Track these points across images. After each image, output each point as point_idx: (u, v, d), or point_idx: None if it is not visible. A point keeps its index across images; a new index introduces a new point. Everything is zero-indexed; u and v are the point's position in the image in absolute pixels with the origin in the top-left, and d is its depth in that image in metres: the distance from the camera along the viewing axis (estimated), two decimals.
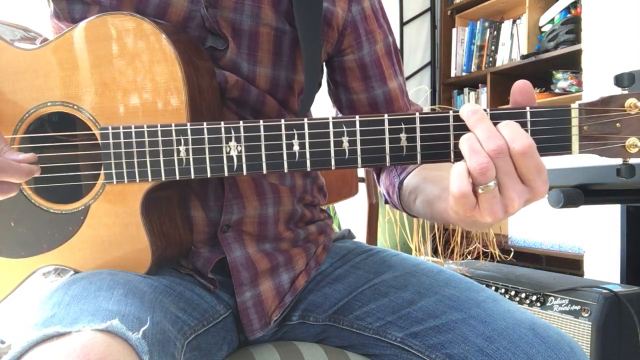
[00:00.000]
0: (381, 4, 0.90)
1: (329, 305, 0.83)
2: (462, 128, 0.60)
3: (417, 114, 0.62)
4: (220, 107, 0.77)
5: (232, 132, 0.65)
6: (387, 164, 0.63)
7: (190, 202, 0.79)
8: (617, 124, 0.60)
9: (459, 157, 0.60)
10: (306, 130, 0.64)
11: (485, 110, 0.60)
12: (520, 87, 0.61)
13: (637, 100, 0.59)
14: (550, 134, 0.60)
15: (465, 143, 0.58)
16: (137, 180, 0.68)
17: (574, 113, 0.60)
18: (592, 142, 0.60)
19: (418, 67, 3.80)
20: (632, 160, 0.61)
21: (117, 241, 0.71)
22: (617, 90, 0.60)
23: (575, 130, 0.60)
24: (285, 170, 0.65)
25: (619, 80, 0.60)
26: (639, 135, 0.59)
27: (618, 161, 0.62)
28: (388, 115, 0.62)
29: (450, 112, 0.61)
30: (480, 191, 0.57)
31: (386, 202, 0.94)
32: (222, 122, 0.65)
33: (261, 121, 0.65)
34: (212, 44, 0.77)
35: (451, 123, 0.61)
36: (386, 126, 0.62)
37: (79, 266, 0.72)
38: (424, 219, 0.87)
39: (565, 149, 0.61)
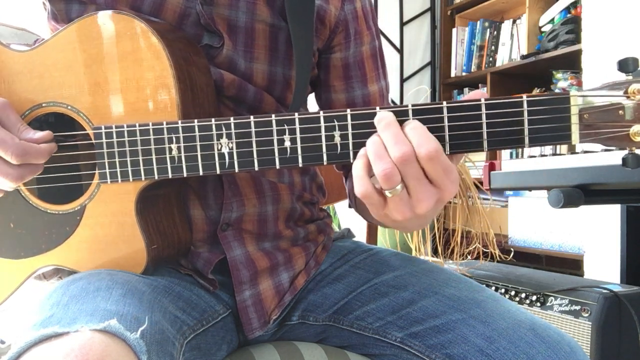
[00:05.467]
0: (372, 7, 0.90)
1: (329, 305, 0.83)
2: (458, 118, 0.59)
3: (410, 105, 0.61)
4: (218, 105, 0.77)
5: (223, 128, 0.65)
6: None
7: (189, 201, 0.78)
8: (620, 112, 0.57)
9: (454, 149, 0.60)
10: (297, 126, 0.63)
11: (480, 99, 0.59)
12: (474, 98, 0.61)
13: None
14: (548, 124, 0.58)
15: (370, 148, 0.58)
16: (131, 179, 0.68)
17: (574, 101, 0.58)
18: (594, 131, 0.57)
19: (418, 67, 3.80)
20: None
21: (114, 241, 0.71)
22: (621, 77, 0.57)
23: (575, 119, 0.58)
24: (277, 166, 0.65)
25: (622, 65, 0.57)
26: None
27: (618, 160, 0.60)
28: (380, 108, 0.61)
29: (444, 102, 0.60)
30: (388, 195, 0.57)
31: (350, 206, 0.94)
32: (213, 119, 0.65)
33: (251, 117, 0.64)
34: (208, 42, 0.77)
35: (445, 115, 0.60)
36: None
37: (77, 266, 0.72)
38: (378, 224, 0.86)
39: (565, 138, 0.58)
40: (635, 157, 0.58)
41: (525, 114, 0.58)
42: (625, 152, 0.59)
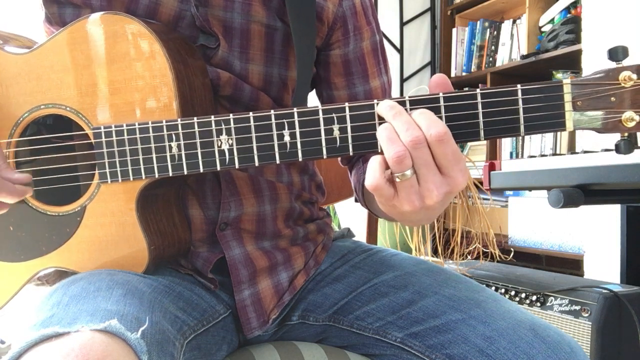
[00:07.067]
0: (371, 1, 0.90)
1: (329, 305, 0.83)
2: (455, 108, 0.59)
3: (407, 97, 0.62)
4: (214, 105, 0.77)
5: (223, 125, 0.65)
6: (379, 151, 0.63)
7: (187, 201, 0.79)
8: (612, 98, 0.58)
9: (453, 138, 0.60)
10: (296, 119, 0.64)
11: (476, 89, 0.60)
12: (437, 81, 0.62)
13: (631, 72, 0.57)
14: (543, 111, 0.60)
15: (382, 133, 0.59)
16: (131, 179, 0.68)
17: (567, 89, 0.59)
18: (587, 118, 0.59)
19: (418, 67, 3.80)
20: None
21: (114, 241, 0.71)
22: (612, 65, 0.59)
23: (568, 106, 0.59)
24: (277, 161, 0.65)
25: (612, 54, 0.58)
26: (636, 108, 0.58)
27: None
28: (378, 101, 0.62)
29: (440, 93, 0.61)
30: (397, 179, 0.58)
31: (356, 200, 0.94)
32: (212, 116, 0.65)
33: (251, 113, 0.65)
34: (204, 42, 0.77)
35: (442, 104, 0.61)
36: (376, 112, 0.62)
37: (77, 267, 0.72)
38: (384, 218, 0.87)
39: (560, 125, 0.60)
40: (627, 143, 0.60)
41: (520, 102, 0.60)
42: (618, 138, 0.60)
